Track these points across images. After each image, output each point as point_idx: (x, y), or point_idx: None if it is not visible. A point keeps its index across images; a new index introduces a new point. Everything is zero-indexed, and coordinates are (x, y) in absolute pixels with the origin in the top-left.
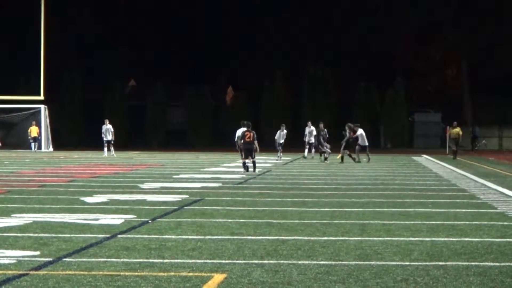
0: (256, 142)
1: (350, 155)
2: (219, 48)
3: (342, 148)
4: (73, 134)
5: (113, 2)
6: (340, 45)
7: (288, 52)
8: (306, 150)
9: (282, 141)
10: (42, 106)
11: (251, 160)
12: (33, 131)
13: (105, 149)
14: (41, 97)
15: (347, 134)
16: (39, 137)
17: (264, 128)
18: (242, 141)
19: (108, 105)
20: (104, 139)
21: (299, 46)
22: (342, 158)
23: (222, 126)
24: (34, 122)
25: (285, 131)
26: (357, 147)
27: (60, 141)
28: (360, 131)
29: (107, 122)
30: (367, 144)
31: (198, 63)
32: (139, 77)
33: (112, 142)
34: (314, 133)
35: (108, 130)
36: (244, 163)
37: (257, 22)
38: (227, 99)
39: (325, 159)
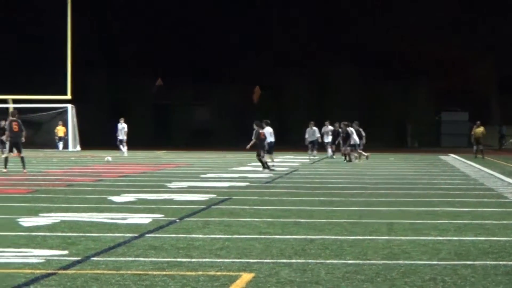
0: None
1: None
2: (246, 47)
3: (345, 147)
4: (100, 133)
5: (139, 2)
6: (366, 44)
7: (314, 51)
8: (329, 150)
9: (314, 139)
10: (69, 106)
11: (272, 157)
12: (60, 130)
13: (121, 147)
14: (68, 97)
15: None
16: (66, 137)
17: (290, 127)
18: (258, 141)
19: (135, 105)
20: (119, 137)
21: (325, 45)
22: (346, 156)
23: (249, 126)
24: (61, 122)
25: (314, 128)
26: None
27: (87, 141)
28: (351, 130)
29: (122, 121)
30: (357, 142)
31: (225, 62)
32: (165, 76)
33: (124, 141)
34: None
35: (123, 129)
36: (265, 163)
37: (283, 21)
38: (254, 98)
39: (348, 158)
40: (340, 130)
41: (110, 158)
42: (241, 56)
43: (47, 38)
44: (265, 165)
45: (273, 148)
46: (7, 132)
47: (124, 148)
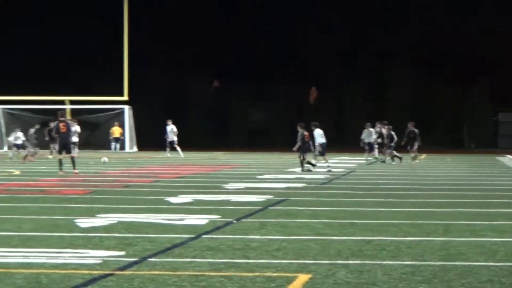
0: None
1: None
2: (303, 48)
3: (390, 149)
4: (157, 134)
5: (196, 3)
6: (423, 45)
7: (371, 53)
8: (376, 150)
9: (370, 140)
10: (126, 107)
11: (326, 158)
12: (116, 131)
13: (168, 149)
14: (125, 98)
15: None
16: (122, 138)
17: (347, 128)
18: (302, 143)
19: (191, 106)
20: (168, 139)
21: (381, 46)
22: (393, 157)
23: (305, 127)
24: (117, 123)
25: (370, 129)
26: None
27: (144, 142)
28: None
29: (170, 123)
30: (392, 144)
31: (282, 63)
32: (222, 77)
33: (176, 142)
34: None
35: (171, 131)
36: (313, 164)
37: (339, 21)
38: (311, 99)
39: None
40: (384, 132)
41: (106, 159)
42: (297, 56)
43: (104, 40)
44: (304, 168)
45: (325, 149)
46: (52, 133)
47: (177, 149)
